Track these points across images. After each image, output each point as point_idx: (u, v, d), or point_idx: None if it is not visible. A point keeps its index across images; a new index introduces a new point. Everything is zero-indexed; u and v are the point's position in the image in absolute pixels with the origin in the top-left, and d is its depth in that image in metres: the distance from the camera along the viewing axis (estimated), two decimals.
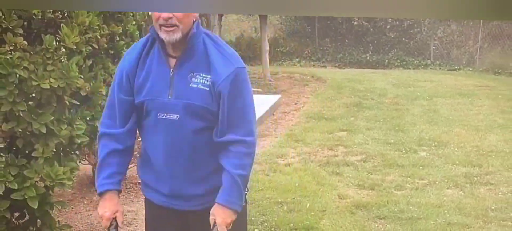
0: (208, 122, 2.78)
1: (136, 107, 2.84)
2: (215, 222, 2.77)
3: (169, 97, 2.75)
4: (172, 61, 2.76)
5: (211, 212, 2.78)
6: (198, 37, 2.75)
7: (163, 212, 2.96)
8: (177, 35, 2.67)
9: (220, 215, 2.75)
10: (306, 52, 20.53)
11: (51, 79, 3.61)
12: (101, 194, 2.89)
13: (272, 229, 5.45)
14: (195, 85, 2.72)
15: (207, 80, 2.72)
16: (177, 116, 2.74)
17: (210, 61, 2.72)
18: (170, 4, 0.89)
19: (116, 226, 2.88)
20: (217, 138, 2.77)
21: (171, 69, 2.76)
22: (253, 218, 5.55)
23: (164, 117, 2.76)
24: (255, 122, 2.84)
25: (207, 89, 2.71)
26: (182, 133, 2.77)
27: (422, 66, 19.35)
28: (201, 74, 2.72)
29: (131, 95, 2.83)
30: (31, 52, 3.65)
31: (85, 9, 3.33)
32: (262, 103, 10.33)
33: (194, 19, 2.72)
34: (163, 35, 2.68)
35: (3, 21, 3.55)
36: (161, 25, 2.67)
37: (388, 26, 20.44)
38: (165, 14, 2.63)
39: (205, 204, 2.85)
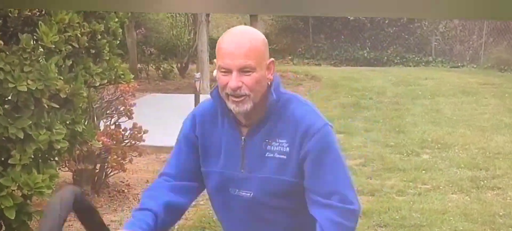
0: (290, 197, 2.53)
1: (202, 175, 2.64)
2: None
3: (242, 171, 2.53)
4: (244, 129, 2.53)
5: None
6: (277, 103, 2.49)
7: None
8: (248, 106, 2.41)
9: None
10: (300, 49, 20.57)
11: (29, 81, 3.61)
12: None
13: None
14: (271, 155, 2.48)
15: (284, 147, 2.46)
16: (251, 193, 2.51)
17: (296, 118, 2.47)
18: (169, 3, 0.90)
19: None
20: (312, 209, 2.48)
21: (242, 137, 2.53)
22: None
23: (235, 193, 2.55)
24: (354, 189, 2.55)
25: (285, 157, 2.46)
26: (257, 212, 2.55)
27: (423, 63, 19.42)
28: (277, 140, 2.48)
29: (197, 154, 2.63)
30: (7, 52, 3.65)
31: (71, 9, 3.33)
32: None
33: (269, 82, 2.49)
34: (231, 106, 2.44)
35: None
36: (228, 95, 2.41)
37: (386, 21, 20.48)
38: (232, 84, 2.37)
39: None
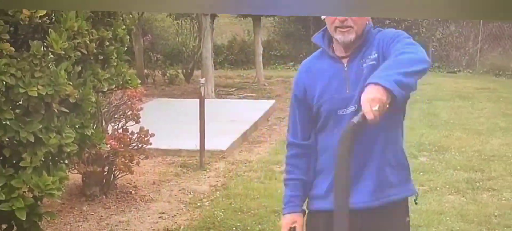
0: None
1: (314, 116, 2.93)
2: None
3: (347, 92, 2.81)
4: (344, 60, 2.87)
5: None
6: (371, 33, 2.88)
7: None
8: (352, 36, 2.79)
9: (367, 92, 2.50)
10: (301, 55, 20.54)
11: (39, 86, 3.60)
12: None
13: None
14: (365, 64, 2.80)
15: (373, 55, 2.80)
16: (355, 107, 2.73)
17: (380, 36, 2.85)
18: (167, 3, 0.90)
19: None
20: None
21: (344, 65, 2.86)
22: (249, 228, 5.56)
23: (344, 113, 2.80)
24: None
25: (375, 62, 2.77)
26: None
27: None
28: (369, 56, 2.81)
29: (310, 107, 2.92)
30: (18, 59, 3.65)
31: (79, 9, 3.33)
32: (256, 108, 10.31)
33: (367, 21, 2.87)
34: (338, 36, 2.81)
35: None
36: (336, 27, 2.80)
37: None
38: (341, 17, 2.75)
39: (379, 200, 2.95)
